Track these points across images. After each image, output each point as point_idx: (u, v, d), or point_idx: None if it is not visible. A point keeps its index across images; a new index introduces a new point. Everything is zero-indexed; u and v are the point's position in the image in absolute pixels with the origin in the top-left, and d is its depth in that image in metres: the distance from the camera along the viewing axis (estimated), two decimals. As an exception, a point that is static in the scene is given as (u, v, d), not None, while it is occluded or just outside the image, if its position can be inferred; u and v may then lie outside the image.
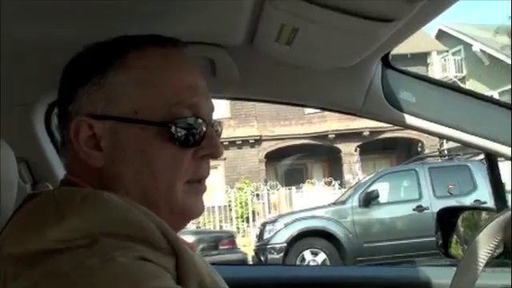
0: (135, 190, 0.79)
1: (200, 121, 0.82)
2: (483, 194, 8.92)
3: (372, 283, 1.52)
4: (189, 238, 9.58)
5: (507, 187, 9.11)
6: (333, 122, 18.09)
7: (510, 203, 1.45)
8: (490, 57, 19.46)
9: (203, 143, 0.82)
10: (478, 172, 9.19)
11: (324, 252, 9.13)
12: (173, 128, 0.79)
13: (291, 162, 18.53)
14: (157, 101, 0.80)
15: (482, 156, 9.97)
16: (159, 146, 0.79)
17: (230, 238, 10.37)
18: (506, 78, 17.25)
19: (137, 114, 0.79)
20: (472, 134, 1.24)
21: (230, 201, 16.67)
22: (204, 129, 0.82)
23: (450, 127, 1.26)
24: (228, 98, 1.68)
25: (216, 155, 0.84)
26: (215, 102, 0.91)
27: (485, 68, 19.43)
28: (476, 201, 8.84)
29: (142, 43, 0.83)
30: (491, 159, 1.44)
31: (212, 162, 0.87)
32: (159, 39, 0.85)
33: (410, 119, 1.24)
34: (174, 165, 0.80)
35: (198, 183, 0.85)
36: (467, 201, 8.80)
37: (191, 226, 15.10)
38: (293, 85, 1.29)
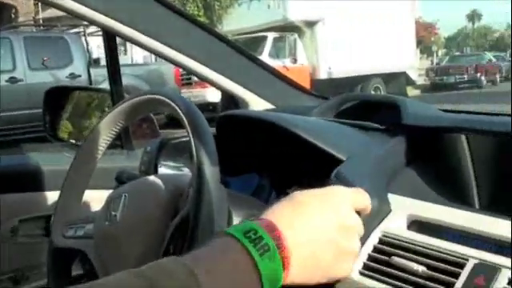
0: None
1: None
2: (79, 67, 9.03)
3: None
4: None
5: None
6: None
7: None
8: None
9: None
10: (74, 45, 9.17)
11: None
12: None
13: None
14: None
15: (79, 29, 9.96)
16: None
17: None
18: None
19: None
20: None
21: None
22: None
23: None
24: None
25: None
26: None
27: None
28: (71, 74, 8.90)
29: None
30: (109, 36, 1.37)
31: None
32: None
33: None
34: None
35: None
36: (63, 74, 8.78)
37: None
38: None
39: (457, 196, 0.93)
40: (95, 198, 1.10)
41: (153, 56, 10.75)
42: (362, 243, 0.80)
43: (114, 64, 1.42)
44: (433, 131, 1.00)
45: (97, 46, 10.45)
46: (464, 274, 0.70)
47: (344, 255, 0.62)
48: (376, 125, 1.11)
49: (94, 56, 10.33)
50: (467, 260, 0.72)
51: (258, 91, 1.49)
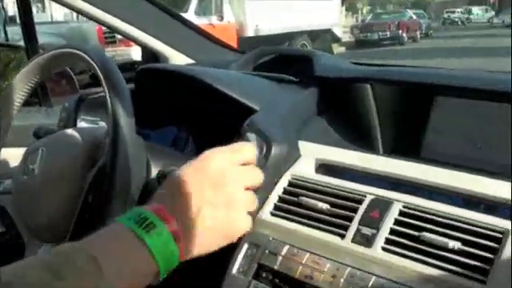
0: None
1: None
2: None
3: None
4: None
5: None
6: None
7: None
8: None
9: None
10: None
11: None
12: None
13: None
14: None
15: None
16: None
17: None
18: None
19: None
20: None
21: None
22: None
23: None
24: None
25: None
26: None
27: None
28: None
29: None
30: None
31: None
32: None
33: None
34: None
35: None
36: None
37: None
38: None
39: (363, 141, 1.00)
40: (13, 156, 1.09)
41: (74, 14, 10.31)
42: (272, 188, 0.86)
43: (28, 19, 1.38)
44: (341, 82, 1.06)
45: (12, 2, 9.88)
46: (362, 209, 0.77)
47: (232, 212, 0.63)
48: (290, 77, 1.16)
49: (10, 13, 9.78)
50: (365, 196, 0.79)
51: (178, 46, 1.50)
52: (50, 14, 12.17)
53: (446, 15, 37.41)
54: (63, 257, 0.53)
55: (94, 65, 0.83)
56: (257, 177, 0.66)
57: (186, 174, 0.62)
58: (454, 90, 0.93)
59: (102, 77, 0.81)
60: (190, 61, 1.49)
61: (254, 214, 0.67)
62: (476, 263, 0.66)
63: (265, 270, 0.78)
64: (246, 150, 0.67)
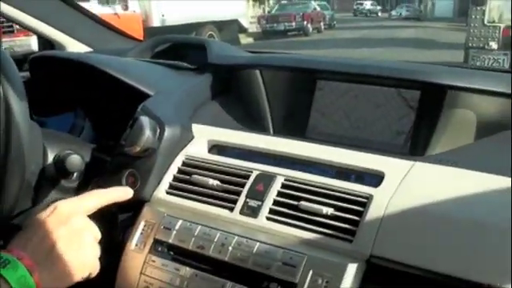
0: None
1: None
2: None
3: None
4: None
5: None
6: None
7: None
8: None
9: None
10: None
11: None
12: None
13: None
14: None
15: None
16: None
17: None
18: None
19: None
20: None
21: None
22: None
23: None
24: None
25: None
26: None
27: None
28: None
29: None
30: None
31: None
32: None
33: None
34: None
35: None
36: None
37: None
38: None
39: (255, 123, 1.07)
40: None
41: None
42: (167, 168, 0.91)
43: None
44: (233, 68, 1.12)
45: None
46: (248, 183, 0.84)
47: (83, 246, 0.69)
48: (186, 64, 1.21)
49: None
50: (251, 172, 0.86)
51: (75, 35, 1.49)
52: None
53: (355, 7, 39.00)
54: None
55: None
56: (96, 229, 0.72)
57: (38, 218, 0.69)
58: (331, 74, 1.02)
59: (-8, 64, 0.82)
60: (88, 49, 1.49)
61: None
62: (345, 225, 0.75)
63: (160, 244, 0.83)
64: (96, 196, 0.74)
